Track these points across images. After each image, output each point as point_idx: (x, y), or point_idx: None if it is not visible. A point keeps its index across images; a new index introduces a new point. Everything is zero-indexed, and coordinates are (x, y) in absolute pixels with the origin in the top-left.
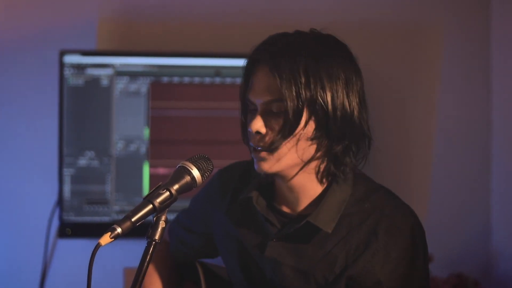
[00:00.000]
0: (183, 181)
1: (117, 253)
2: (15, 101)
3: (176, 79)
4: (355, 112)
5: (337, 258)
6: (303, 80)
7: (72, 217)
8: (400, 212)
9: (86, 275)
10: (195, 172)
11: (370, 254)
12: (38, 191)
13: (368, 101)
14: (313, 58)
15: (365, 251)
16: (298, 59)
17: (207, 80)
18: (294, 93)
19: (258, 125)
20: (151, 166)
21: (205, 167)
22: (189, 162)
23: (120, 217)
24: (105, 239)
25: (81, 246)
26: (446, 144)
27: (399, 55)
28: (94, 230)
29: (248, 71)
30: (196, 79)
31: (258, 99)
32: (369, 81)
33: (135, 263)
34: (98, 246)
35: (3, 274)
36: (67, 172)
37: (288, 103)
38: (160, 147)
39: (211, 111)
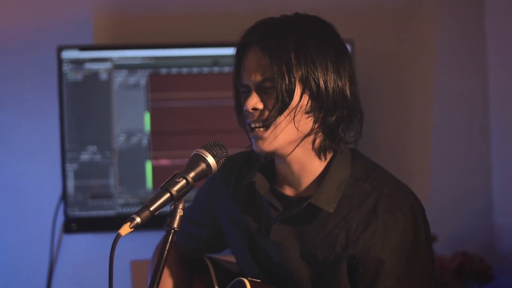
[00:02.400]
0: (198, 169)
1: (124, 246)
2: (15, 99)
3: (174, 70)
4: (347, 86)
5: (337, 237)
6: (292, 57)
7: (77, 212)
8: (399, 191)
9: (93, 269)
10: (210, 159)
11: (370, 232)
12: (42, 187)
13: (366, 85)
14: (301, 36)
15: (365, 230)
16: (287, 38)
17: (206, 70)
18: (284, 69)
19: (253, 101)
20: (153, 157)
21: (219, 154)
22: (204, 149)
23: (125, 210)
24: (125, 229)
25: (87, 241)
26: (445, 124)
27: (395, 37)
28: (100, 224)
29: (239, 55)
30: (195, 69)
31: (251, 79)
32: (367, 63)
33: (142, 256)
34: (118, 236)
35: (11, 270)
36: (70, 167)
37: (280, 80)
38: (161, 138)
39: (211, 100)
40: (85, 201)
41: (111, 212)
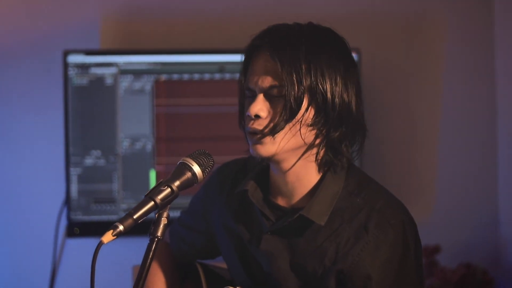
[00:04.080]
0: (184, 177)
1: (125, 252)
2: (20, 103)
3: (180, 76)
4: (353, 102)
5: (327, 251)
6: (304, 66)
7: (79, 217)
8: (391, 207)
9: (95, 274)
10: (196, 168)
11: (359, 248)
12: (46, 191)
13: (373, 92)
14: (313, 46)
15: (355, 245)
16: (299, 47)
17: (212, 76)
18: (295, 79)
19: (257, 107)
20: (157, 163)
21: (205, 162)
22: (190, 158)
23: None
24: (107, 237)
25: (89, 245)
26: (452, 134)
27: (402, 46)
28: (102, 229)
29: (248, 57)
30: (201, 76)
31: (258, 84)
32: (374, 72)
33: None
34: (100, 244)
35: (13, 274)
36: (74, 171)
37: (289, 88)
38: (166, 144)
39: (217, 107)
40: (88, 206)
41: (114, 217)
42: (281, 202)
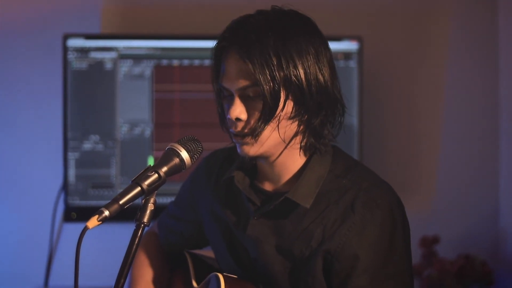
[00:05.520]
0: (171, 163)
1: (121, 236)
2: (19, 86)
3: (180, 62)
4: (328, 83)
5: (313, 233)
6: (274, 61)
7: (77, 201)
8: (378, 188)
9: (92, 258)
10: (184, 154)
11: (346, 228)
12: (43, 175)
13: (375, 81)
14: (280, 37)
15: (342, 225)
16: (266, 41)
17: (211, 62)
18: (268, 76)
19: (237, 111)
20: (155, 149)
21: (194, 148)
22: (178, 144)
23: None
24: (93, 222)
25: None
26: (454, 126)
27: (405, 34)
28: None
29: (217, 57)
30: (200, 62)
31: (233, 86)
32: (376, 60)
33: None
34: (85, 229)
35: (11, 258)
36: (72, 156)
37: (265, 87)
38: (164, 130)
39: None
40: (85, 191)
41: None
42: (267, 187)
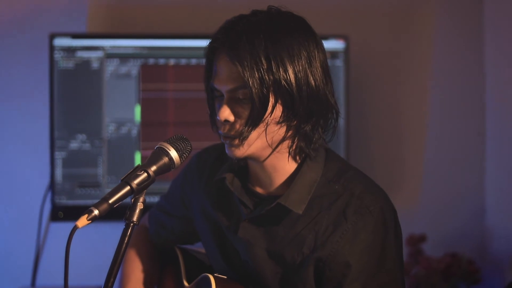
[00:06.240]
0: (161, 162)
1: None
2: (5, 85)
3: (166, 61)
4: (320, 88)
5: (305, 239)
6: (265, 64)
7: (64, 201)
8: (370, 194)
9: (79, 258)
10: (173, 153)
11: (338, 235)
12: (30, 175)
13: (361, 80)
14: (272, 40)
15: (334, 232)
16: (257, 44)
17: (198, 61)
18: (258, 80)
19: (225, 113)
20: (142, 148)
21: (183, 148)
22: (167, 143)
23: None
24: (82, 221)
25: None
26: (439, 124)
27: (391, 33)
28: None
29: (209, 58)
30: (187, 61)
31: (223, 87)
32: (362, 59)
33: None
34: (75, 228)
35: None
36: (59, 155)
37: (253, 90)
38: (151, 129)
39: (203, 92)
40: (72, 190)
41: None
42: (259, 190)
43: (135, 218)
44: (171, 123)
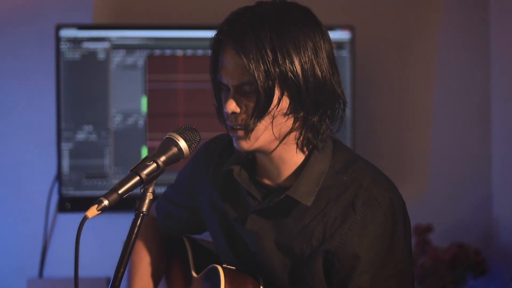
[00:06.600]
0: (170, 153)
1: (117, 227)
2: (12, 77)
3: (173, 52)
4: (327, 78)
5: (314, 231)
6: (270, 57)
7: (71, 192)
8: (379, 185)
9: (86, 249)
10: (182, 144)
11: (347, 227)
12: (37, 166)
13: (367, 70)
14: (277, 31)
15: (342, 224)
16: (262, 36)
17: (204, 52)
18: (263, 72)
19: (232, 106)
20: (149, 139)
21: (192, 138)
22: (176, 133)
23: None
24: (92, 211)
25: (80, 220)
26: (447, 114)
27: (397, 23)
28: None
29: (215, 51)
30: (193, 51)
31: (229, 80)
32: (368, 50)
33: None
34: (85, 218)
35: (5, 250)
36: (66, 146)
37: (259, 83)
38: (158, 120)
39: (209, 83)
40: (79, 181)
41: (105, 192)
42: (267, 181)
43: (144, 209)
44: (178, 113)
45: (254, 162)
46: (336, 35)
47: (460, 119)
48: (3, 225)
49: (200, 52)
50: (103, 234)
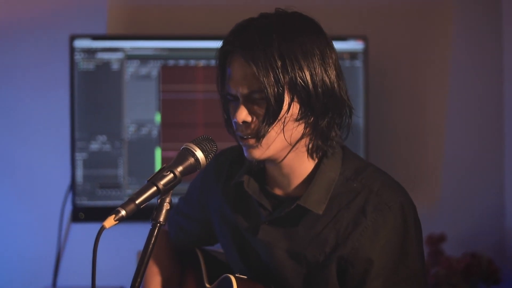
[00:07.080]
0: (187, 163)
1: (131, 237)
2: (26, 87)
3: (186, 62)
4: (335, 85)
5: (327, 238)
6: (279, 64)
7: (85, 202)
8: (389, 190)
9: (100, 259)
10: (199, 154)
11: (359, 232)
12: (51, 176)
13: (380, 80)
14: (285, 39)
15: (354, 230)
16: (270, 44)
17: None
18: (272, 79)
19: (243, 115)
20: (163, 149)
21: (209, 148)
22: (193, 143)
23: None
24: (110, 221)
25: (94, 230)
26: (459, 123)
27: (409, 33)
28: (107, 214)
29: (222, 61)
30: (207, 62)
31: (239, 90)
32: (381, 59)
33: None
34: (102, 228)
35: (19, 259)
36: (79, 156)
37: (269, 90)
38: (171, 130)
39: None
40: (93, 191)
41: (119, 202)
42: (277, 191)
43: (161, 219)
44: (192, 124)
45: (263, 172)
46: (349, 45)
47: (473, 128)
48: (17, 234)
49: (213, 62)
50: (118, 243)
